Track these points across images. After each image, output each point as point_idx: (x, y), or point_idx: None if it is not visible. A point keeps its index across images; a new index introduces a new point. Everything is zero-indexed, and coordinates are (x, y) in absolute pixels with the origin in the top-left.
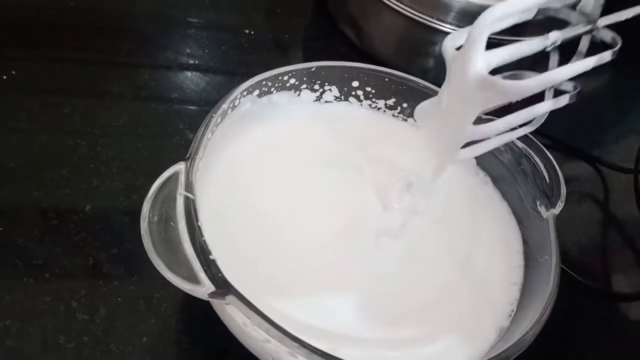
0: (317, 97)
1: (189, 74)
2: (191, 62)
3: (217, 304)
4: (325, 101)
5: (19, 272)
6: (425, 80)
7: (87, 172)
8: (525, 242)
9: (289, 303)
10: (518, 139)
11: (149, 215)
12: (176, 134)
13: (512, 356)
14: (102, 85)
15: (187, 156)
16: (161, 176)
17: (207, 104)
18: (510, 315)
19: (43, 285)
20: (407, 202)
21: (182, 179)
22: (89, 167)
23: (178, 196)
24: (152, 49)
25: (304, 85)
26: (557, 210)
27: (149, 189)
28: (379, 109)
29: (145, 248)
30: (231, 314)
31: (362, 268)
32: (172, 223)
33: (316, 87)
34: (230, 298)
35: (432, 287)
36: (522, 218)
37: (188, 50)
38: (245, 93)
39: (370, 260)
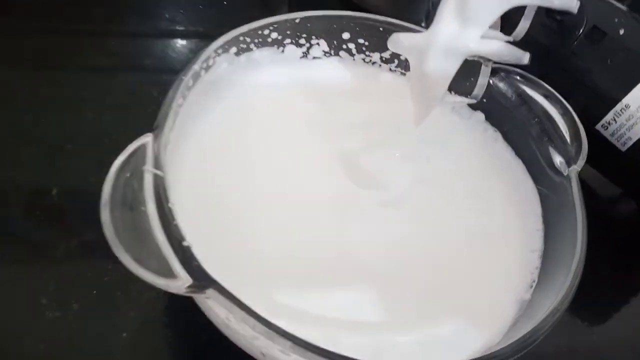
0: (303, 53)
1: (164, 39)
2: (166, 26)
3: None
4: (314, 57)
5: None
6: (425, 28)
7: (51, 150)
8: (543, 203)
9: (280, 290)
10: (532, 89)
11: (111, 200)
12: (151, 103)
13: (540, 336)
14: (71, 56)
15: (154, 126)
16: (123, 152)
17: None
18: (532, 286)
19: (5, 280)
20: (410, 167)
21: (149, 153)
22: (53, 145)
23: (145, 174)
24: (124, 15)
25: (288, 40)
26: (579, 166)
27: None
28: (374, 63)
29: (108, 239)
30: (213, 307)
31: (362, 244)
32: (142, 208)
33: (302, 41)
34: (211, 292)
35: (442, 259)
36: (539, 177)
37: (164, 14)
38: (220, 51)
39: (371, 235)
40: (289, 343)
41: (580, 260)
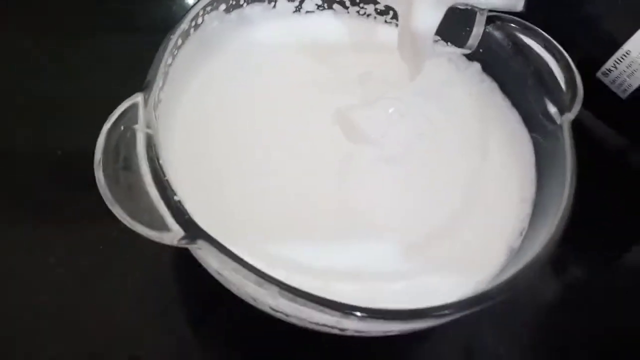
0: (296, 7)
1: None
2: None
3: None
4: (307, 11)
5: None
6: None
7: (53, 112)
8: (537, 152)
9: (275, 242)
10: (528, 37)
11: (104, 159)
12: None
13: (523, 281)
14: (75, 19)
15: (143, 85)
16: (114, 112)
17: None
18: (521, 234)
19: (13, 241)
20: (406, 122)
21: (140, 112)
22: (54, 107)
23: (137, 133)
24: None
25: None
26: (572, 114)
27: None
28: (368, 15)
29: (104, 199)
30: (205, 258)
31: (358, 197)
32: (135, 165)
33: None
34: (201, 242)
35: (440, 210)
36: (534, 126)
37: None
38: (208, 9)
39: (368, 189)
40: (276, 289)
41: (567, 208)
